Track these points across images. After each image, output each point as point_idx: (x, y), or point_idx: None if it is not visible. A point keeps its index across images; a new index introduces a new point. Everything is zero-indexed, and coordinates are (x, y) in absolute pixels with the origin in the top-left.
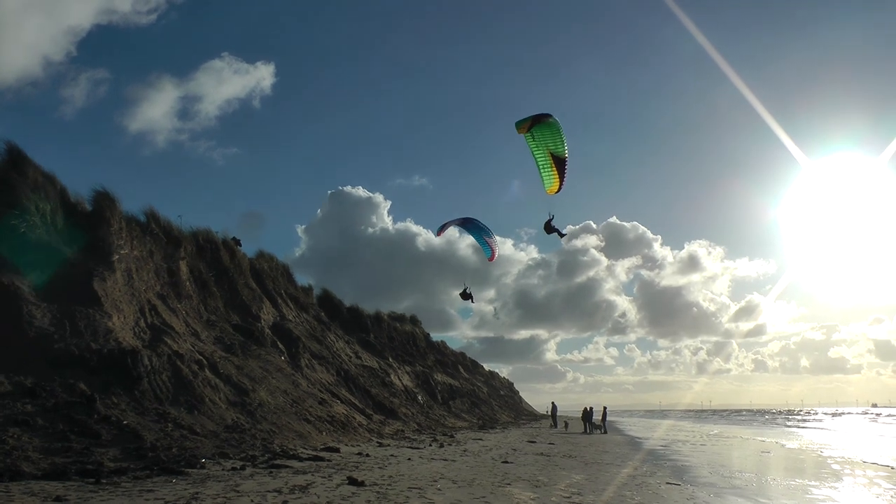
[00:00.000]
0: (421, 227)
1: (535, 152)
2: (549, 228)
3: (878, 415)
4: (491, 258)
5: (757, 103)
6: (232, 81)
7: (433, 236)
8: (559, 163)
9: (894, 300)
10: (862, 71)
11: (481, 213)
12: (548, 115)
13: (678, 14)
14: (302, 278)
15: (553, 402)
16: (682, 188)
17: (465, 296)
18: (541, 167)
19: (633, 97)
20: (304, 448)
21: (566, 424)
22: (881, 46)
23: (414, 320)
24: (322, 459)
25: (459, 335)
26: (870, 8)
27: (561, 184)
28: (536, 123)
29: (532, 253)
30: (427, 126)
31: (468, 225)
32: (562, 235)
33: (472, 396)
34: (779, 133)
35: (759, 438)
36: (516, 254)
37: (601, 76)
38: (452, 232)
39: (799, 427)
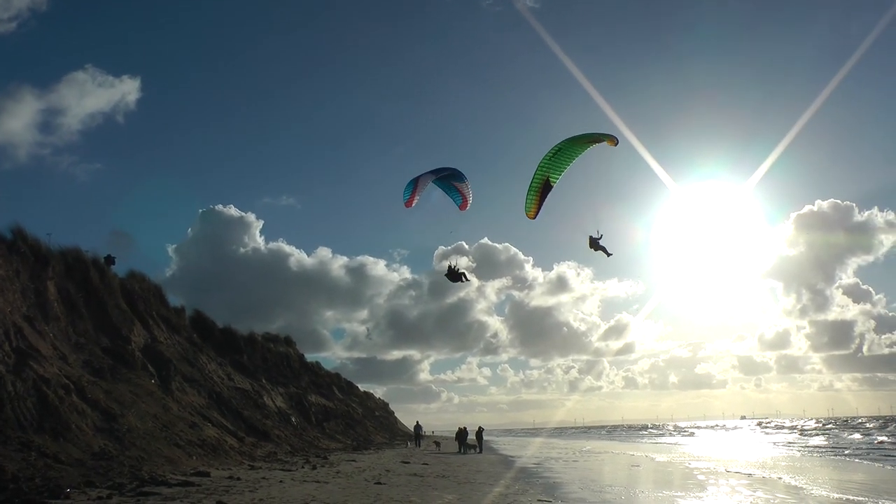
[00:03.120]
0: (293, 248)
1: (539, 172)
2: (596, 246)
3: (763, 424)
4: (462, 206)
5: (624, 128)
6: (96, 94)
7: (305, 257)
8: (546, 190)
9: (754, 319)
10: (730, 99)
11: (352, 232)
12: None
13: (543, 36)
14: (174, 299)
15: (417, 422)
16: (553, 210)
17: (455, 275)
18: (531, 189)
19: (500, 116)
20: (174, 474)
21: (437, 444)
22: (747, 77)
23: (288, 341)
24: (192, 485)
25: (333, 356)
26: (737, 38)
27: (537, 211)
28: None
29: (404, 273)
30: (292, 143)
31: (439, 178)
32: (608, 255)
33: (346, 417)
34: (647, 158)
35: (630, 453)
36: (389, 274)
37: (464, 94)
38: (324, 252)
39: (668, 440)
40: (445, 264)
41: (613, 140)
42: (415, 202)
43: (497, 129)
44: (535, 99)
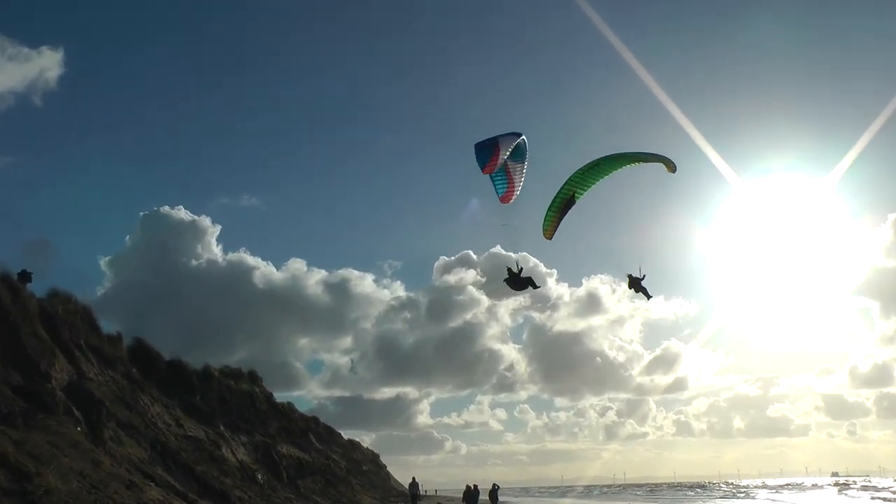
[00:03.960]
0: (258, 259)
1: (565, 186)
2: (637, 287)
3: (845, 484)
4: (506, 196)
5: (676, 110)
6: (6, 70)
7: (274, 270)
8: (569, 206)
9: (844, 347)
10: (806, 77)
11: (332, 239)
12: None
13: (585, 9)
14: (108, 325)
15: (413, 478)
16: (583, 211)
17: (519, 281)
18: (553, 205)
19: (521, 98)
20: None
21: None
22: (829, 51)
23: (253, 377)
24: None
25: (309, 395)
26: (816, 10)
27: (555, 231)
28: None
29: (397, 290)
30: (256, 131)
31: (518, 150)
32: (648, 297)
33: (326, 473)
34: (702, 145)
35: None
36: (378, 291)
37: (474, 70)
38: (298, 265)
39: None
40: (508, 266)
41: (672, 166)
42: (498, 165)
43: (516, 112)
44: (568, 76)
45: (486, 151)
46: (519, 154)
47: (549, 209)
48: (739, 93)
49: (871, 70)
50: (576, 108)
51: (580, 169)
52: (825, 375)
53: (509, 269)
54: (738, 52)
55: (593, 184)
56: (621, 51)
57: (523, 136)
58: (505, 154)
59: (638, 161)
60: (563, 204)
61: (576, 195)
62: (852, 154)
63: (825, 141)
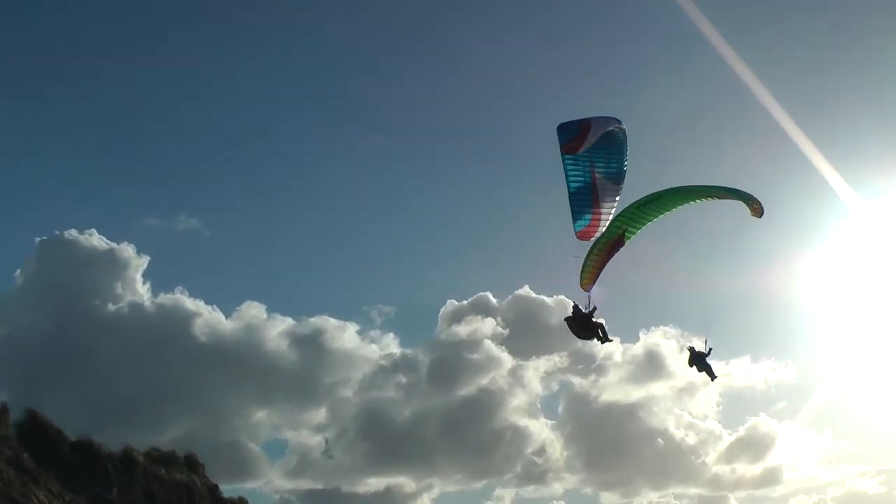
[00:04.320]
0: (200, 303)
1: (614, 223)
2: (700, 364)
3: None
4: (585, 233)
5: (778, 109)
6: None
7: (222, 318)
8: (617, 248)
9: None
10: None
11: (301, 277)
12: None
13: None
14: None
15: None
16: (638, 242)
17: (587, 324)
18: (597, 247)
19: (552, 85)
20: None
21: None
22: None
23: (192, 463)
24: None
25: (268, 487)
26: None
27: (595, 281)
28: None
29: (389, 346)
30: (194, 129)
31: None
32: (713, 377)
33: None
34: (809, 152)
35: None
36: (363, 347)
37: (485, 47)
38: (255, 311)
39: None
40: (569, 307)
41: (757, 209)
42: (583, 148)
43: (544, 105)
44: (614, 58)
45: (570, 129)
46: (614, 162)
47: (591, 250)
48: (860, 91)
49: None
50: (654, 94)
51: (635, 203)
52: None
53: (576, 307)
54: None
55: (649, 222)
56: (707, 31)
57: (622, 125)
58: (594, 137)
59: (710, 197)
60: (609, 245)
61: (626, 234)
62: None
63: None
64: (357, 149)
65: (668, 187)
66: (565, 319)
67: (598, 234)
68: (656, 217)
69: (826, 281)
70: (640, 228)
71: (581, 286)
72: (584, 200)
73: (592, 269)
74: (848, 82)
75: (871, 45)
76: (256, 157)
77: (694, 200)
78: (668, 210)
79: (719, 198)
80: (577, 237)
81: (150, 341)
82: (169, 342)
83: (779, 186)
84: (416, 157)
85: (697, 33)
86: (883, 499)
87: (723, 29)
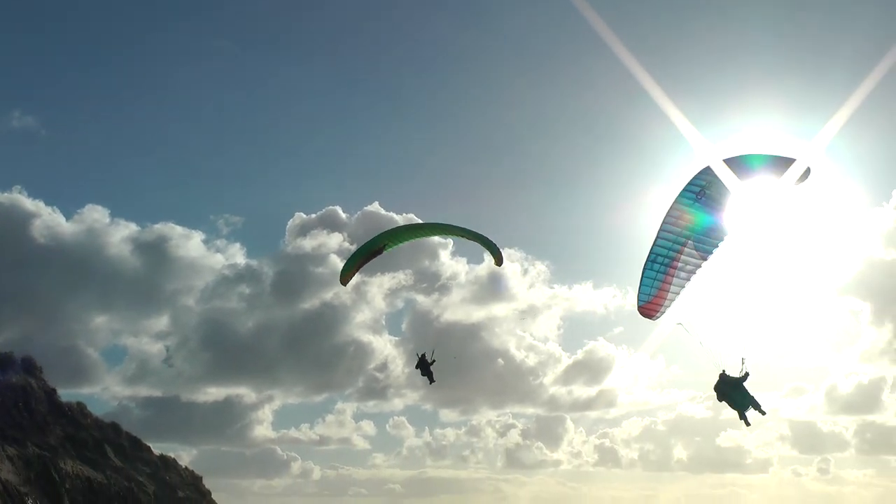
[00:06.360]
0: (39, 203)
1: (377, 238)
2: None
3: None
4: (649, 309)
5: (622, 50)
6: None
7: (62, 220)
8: (374, 256)
9: (822, 360)
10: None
11: (147, 181)
12: None
13: None
14: None
15: None
16: (494, 167)
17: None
18: (358, 253)
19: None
20: None
21: None
22: None
23: (28, 367)
24: None
25: (106, 393)
26: None
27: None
28: None
29: (234, 256)
30: (32, 13)
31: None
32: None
33: (128, 500)
34: (656, 95)
35: None
36: (207, 256)
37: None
38: (97, 215)
39: None
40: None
41: (498, 259)
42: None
43: (407, 37)
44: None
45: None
46: (705, 230)
47: (354, 254)
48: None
49: None
50: (507, 31)
51: (402, 226)
52: (795, 396)
53: (421, 358)
54: None
55: (408, 241)
56: None
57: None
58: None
59: (464, 237)
60: (369, 253)
61: (386, 247)
62: (847, 109)
63: (813, 89)
64: (208, 54)
65: (432, 220)
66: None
67: (659, 314)
68: (415, 238)
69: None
70: (398, 244)
71: (341, 281)
72: (654, 272)
73: (351, 271)
74: (693, 24)
75: None
76: (103, 50)
77: (451, 235)
78: (427, 236)
79: (472, 239)
80: (639, 311)
81: None
82: (5, 242)
83: (626, 126)
84: (271, 65)
85: None
86: (710, 422)
87: None
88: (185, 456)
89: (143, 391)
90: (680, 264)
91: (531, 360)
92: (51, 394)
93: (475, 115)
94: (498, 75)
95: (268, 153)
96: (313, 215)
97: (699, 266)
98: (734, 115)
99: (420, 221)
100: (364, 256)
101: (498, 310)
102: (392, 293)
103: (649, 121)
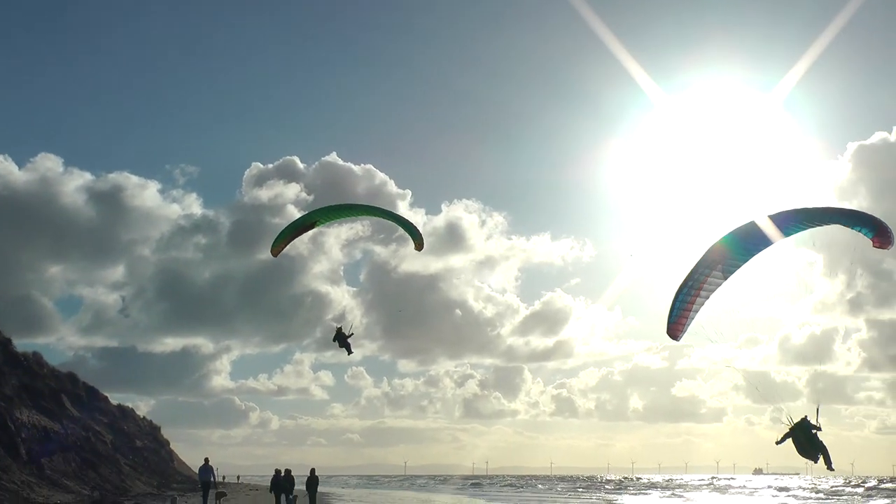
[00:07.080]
0: None
1: (310, 215)
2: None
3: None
4: (674, 329)
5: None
6: None
7: (14, 168)
8: (305, 230)
9: (775, 312)
10: None
11: (102, 129)
12: None
13: None
14: None
15: (206, 460)
16: (452, 119)
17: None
18: (292, 226)
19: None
20: None
21: (220, 497)
22: None
23: None
24: None
25: (62, 343)
26: None
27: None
28: None
29: (191, 206)
30: None
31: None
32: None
33: (84, 450)
34: (616, 50)
35: None
36: (163, 206)
37: None
38: (51, 164)
39: None
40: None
41: (419, 244)
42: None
43: None
44: None
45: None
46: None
47: (286, 228)
48: None
49: None
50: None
51: (334, 206)
52: (749, 347)
53: (338, 332)
54: None
55: (337, 219)
56: None
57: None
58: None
59: (390, 220)
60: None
61: (318, 223)
62: (805, 62)
63: (772, 44)
64: (167, 2)
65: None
66: (333, 339)
67: (682, 334)
68: (345, 217)
69: (627, 169)
70: (328, 222)
71: (272, 252)
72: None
73: (284, 242)
74: None
75: None
76: (54, 3)
77: (380, 217)
78: (357, 216)
79: (396, 223)
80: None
81: None
82: None
83: (584, 79)
84: (229, 14)
85: None
86: (665, 372)
87: None
88: (142, 406)
89: (100, 341)
90: (707, 286)
91: (489, 311)
92: (5, 343)
93: (434, 66)
94: (456, 27)
95: (225, 102)
96: (270, 165)
97: (720, 285)
98: (692, 67)
99: (377, 173)
100: (296, 230)
101: (456, 260)
102: (349, 244)
103: (607, 74)
